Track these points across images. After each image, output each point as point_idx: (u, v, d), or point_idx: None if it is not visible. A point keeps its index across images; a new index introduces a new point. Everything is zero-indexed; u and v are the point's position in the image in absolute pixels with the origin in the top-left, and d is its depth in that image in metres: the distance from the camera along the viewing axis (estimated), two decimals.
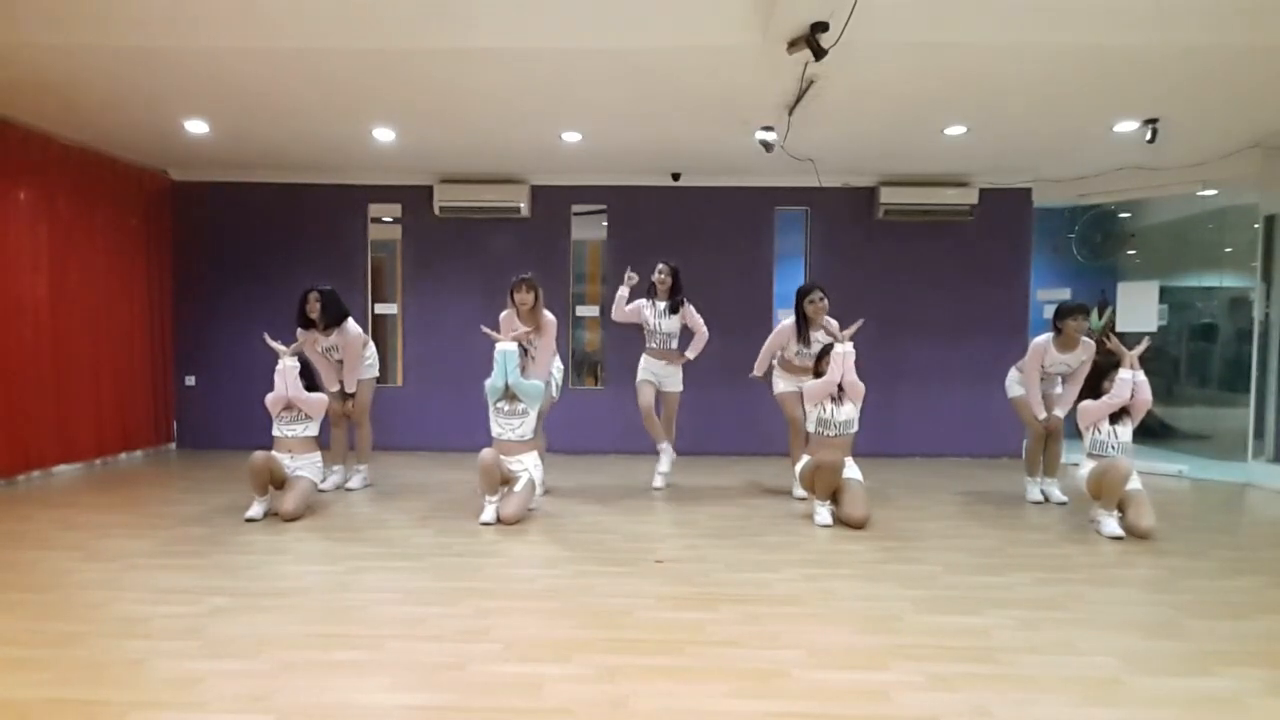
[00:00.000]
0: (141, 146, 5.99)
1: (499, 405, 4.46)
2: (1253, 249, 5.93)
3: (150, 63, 4.18)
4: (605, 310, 5.86)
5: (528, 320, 4.70)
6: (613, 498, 5.03)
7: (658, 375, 5.16)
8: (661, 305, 5.14)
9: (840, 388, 4.40)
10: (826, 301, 4.82)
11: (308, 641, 2.63)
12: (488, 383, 4.44)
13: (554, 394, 5.00)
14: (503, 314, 4.79)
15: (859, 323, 4.52)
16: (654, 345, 5.16)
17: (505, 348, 4.42)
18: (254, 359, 5.98)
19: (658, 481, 5.23)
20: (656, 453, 5.29)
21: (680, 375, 5.22)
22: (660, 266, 5.11)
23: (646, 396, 5.13)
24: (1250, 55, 3.92)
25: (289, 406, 4.49)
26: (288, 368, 4.45)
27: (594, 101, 4.79)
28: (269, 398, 4.49)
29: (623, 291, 5.12)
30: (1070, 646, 2.66)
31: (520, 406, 4.44)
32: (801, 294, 4.85)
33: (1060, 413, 4.88)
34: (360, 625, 2.78)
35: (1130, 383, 4.24)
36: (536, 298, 4.67)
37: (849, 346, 4.42)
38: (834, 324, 4.75)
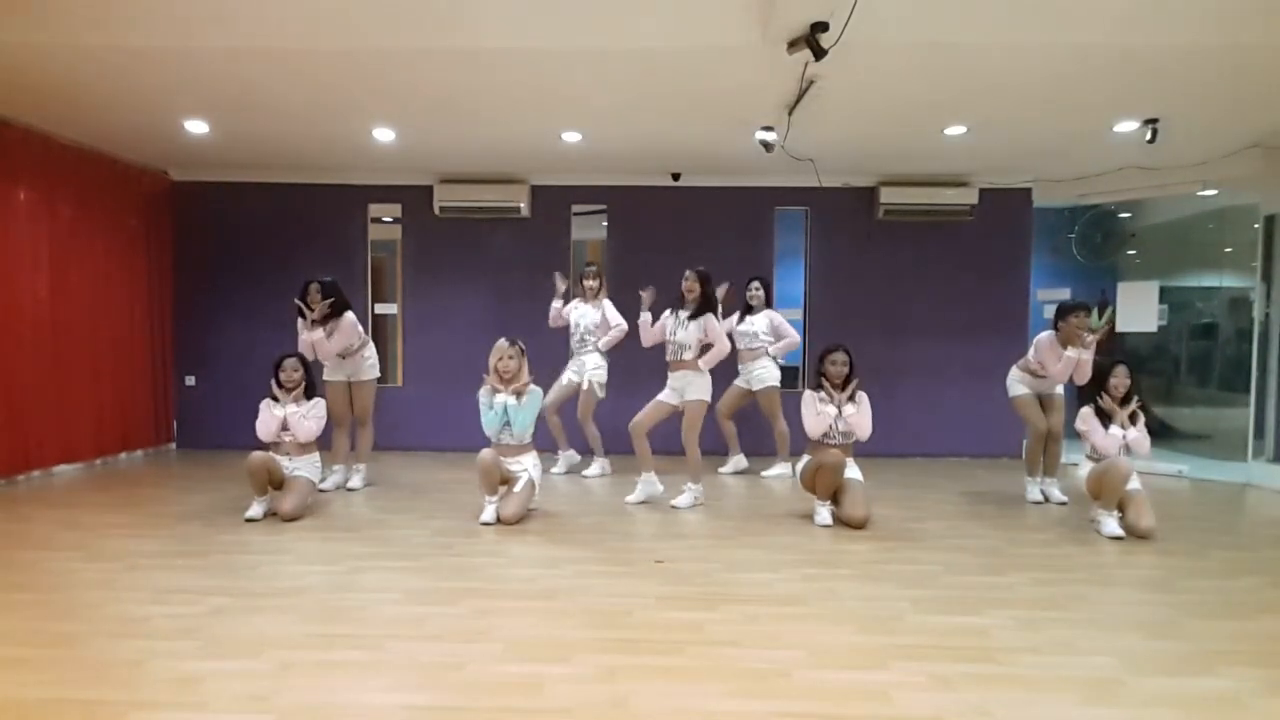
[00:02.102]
0: (141, 146, 5.99)
1: (500, 436, 4.44)
2: (1253, 249, 5.93)
3: (150, 63, 4.18)
4: None
5: (592, 301, 5.73)
6: (613, 498, 5.03)
7: (676, 387, 4.73)
8: (684, 314, 4.73)
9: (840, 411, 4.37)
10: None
11: (308, 641, 2.63)
12: (484, 425, 4.42)
13: (599, 393, 5.61)
14: (568, 303, 5.79)
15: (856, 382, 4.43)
16: (667, 356, 4.80)
17: (505, 400, 4.38)
18: (254, 359, 5.99)
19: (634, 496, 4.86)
20: (664, 454, 5.08)
21: (704, 382, 4.67)
22: (687, 273, 4.74)
23: (644, 411, 4.81)
24: (1250, 55, 3.92)
25: (285, 428, 4.47)
26: (287, 413, 4.46)
27: (594, 101, 4.79)
28: (260, 431, 4.46)
29: (645, 316, 4.89)
30: (1070, 646, 2.66)
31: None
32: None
33: (1089, 361, 4.59)
34: (360, 625, 2.78)
35: (1119, 440, 4.18)
36: (601, 283, 5.74)
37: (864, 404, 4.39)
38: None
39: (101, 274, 5.98)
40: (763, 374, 5.70)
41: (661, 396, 4.81)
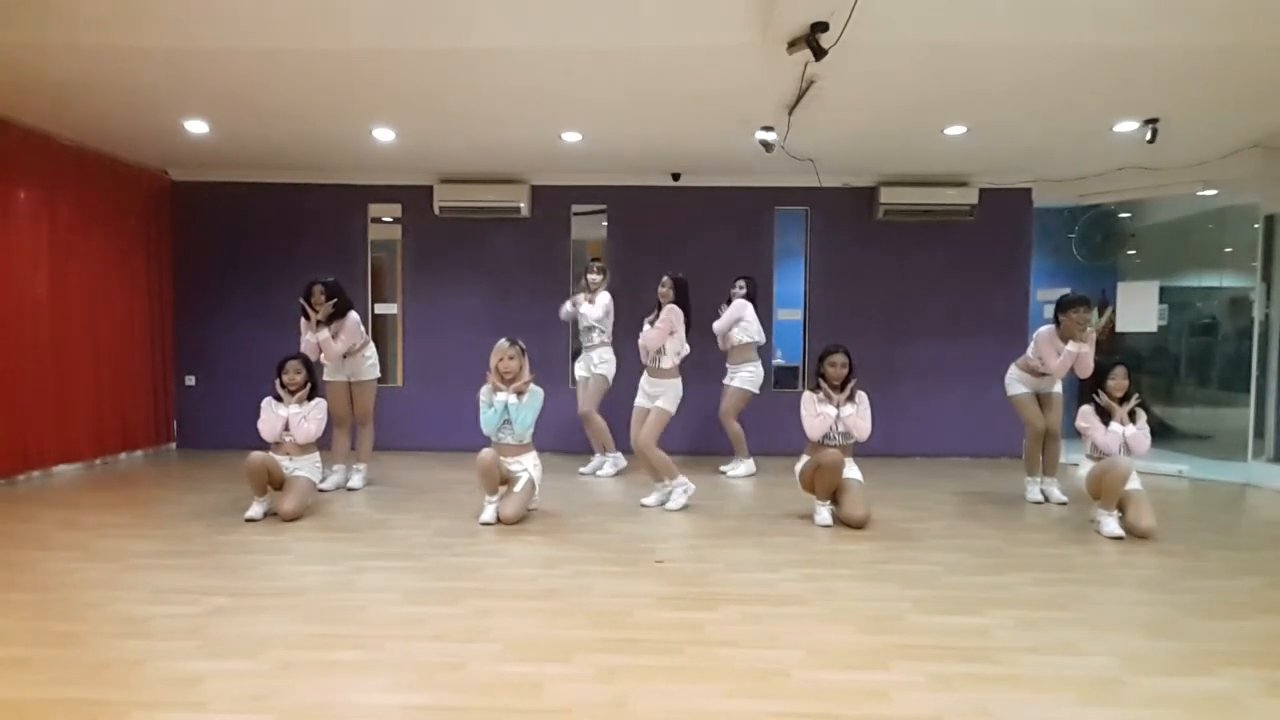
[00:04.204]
0: (141, 146, 5.99)
1: (499, 435, 4.45)
2: (1253, 249, 5.93)
3: (150, 63, 4.18)
4: None
5: (595, 295, 5.72)
6: (613, 498, 5.03)
7: (650, 393, 4.74)
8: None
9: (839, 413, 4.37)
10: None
11: (308, 641, 2.63)
12: (483, 423, 4.42)
13: (608, 383, 5.70)
14: (577, 297, 5.79)
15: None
16: (645, 361, 4.82)
17: (506, 399, 4.38)
18: (254, 359, 5.99)
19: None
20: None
21: (675, 393, 4.68)
22: (664, 278, 4.79)
23: (645, 427, 4.71)
24: (1250, 55, 3.92)
25: (287, 428, 4.48)
26: (290, 415, 4.47)
27: (594, 101, 4.79)
28: (262, 430, 4.47)
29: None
30: (1070, 646, 2.67)
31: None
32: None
33: (1089, 354, 4.63)
34: (360, 625, 2.78)
35: (1120, 438, 4.21)
36: (605, 278, 5.74)
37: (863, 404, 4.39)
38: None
39: (101, 274, 5.98)
40: (749, 376, 5.73)
41: (638, 402, 4.79)
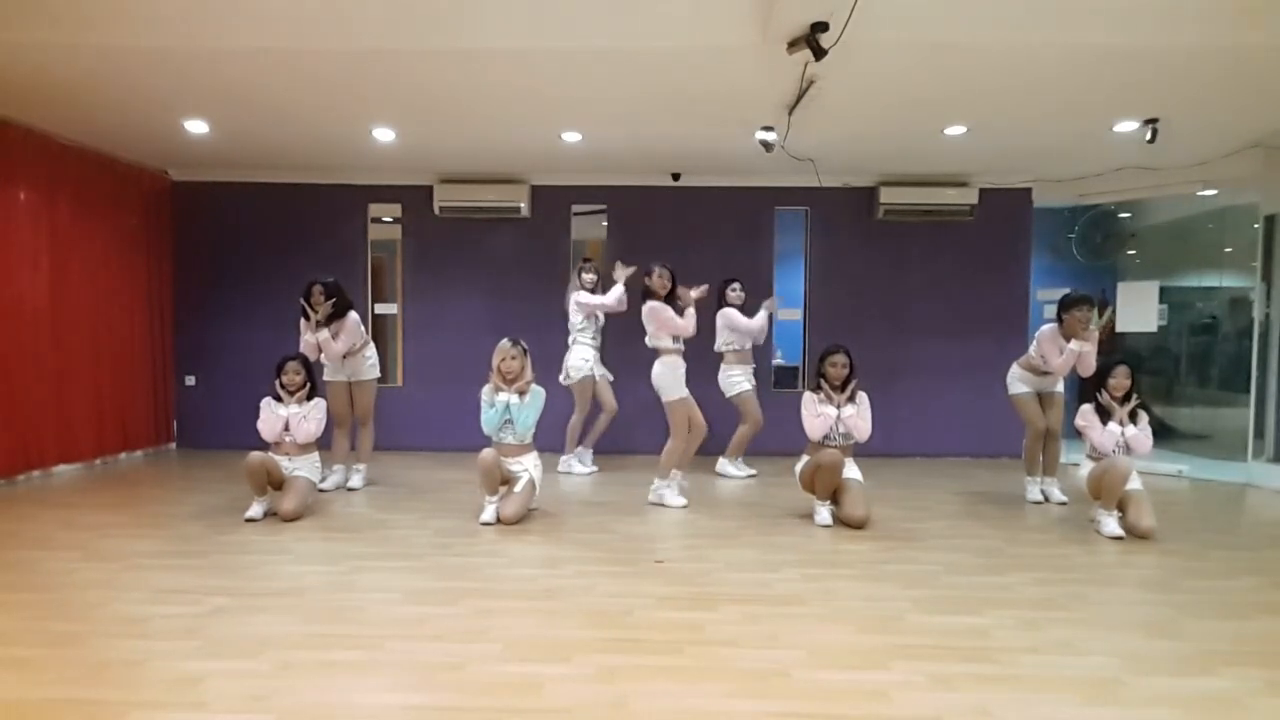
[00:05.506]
0: (141, 146, 5.99)
1: (500, 435, 4.45)
2: (1253, 249, 5.93)
3: (150, 63, 4.18)
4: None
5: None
6: (612, 497, 5.03)
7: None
8: None
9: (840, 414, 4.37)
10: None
11: (308, 641, 2.63)
12: (484, 423, 4.42)
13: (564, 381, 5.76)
14: (574, 294, 5.77)
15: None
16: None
17: (508, 399, 4.38)
18: (254, 359, 5.99)
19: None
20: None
21: (668, 381, 4.75)
22: (660, 270, 4.81)
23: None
24: (1250, 55, 3.92)
25: (286, 428, 4.48)
26: (291, 415, 4.47)
27: (594, 101, 4.79)
28: (262, 430, 4.46)
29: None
30: (1070, 646, 2.66)
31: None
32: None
33: (1092, 353, 4.65)
34: (360, 625, 2.78)
35: (1116, 437, 4.22)
36: (597, 276, 5.82)
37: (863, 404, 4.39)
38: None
39: (101, 274, 5.98)
40: (724, 382, 5.70)
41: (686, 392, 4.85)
